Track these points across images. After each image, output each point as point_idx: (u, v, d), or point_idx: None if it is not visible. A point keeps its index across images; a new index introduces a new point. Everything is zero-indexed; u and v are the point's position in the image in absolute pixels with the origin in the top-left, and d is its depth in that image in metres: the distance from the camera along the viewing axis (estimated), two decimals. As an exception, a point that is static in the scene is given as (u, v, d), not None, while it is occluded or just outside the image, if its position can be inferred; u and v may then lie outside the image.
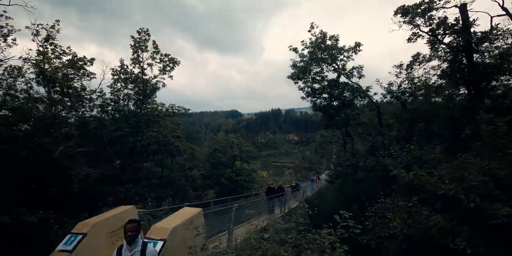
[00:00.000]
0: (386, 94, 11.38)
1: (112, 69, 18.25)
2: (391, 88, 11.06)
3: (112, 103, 17.84)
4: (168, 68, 18.24)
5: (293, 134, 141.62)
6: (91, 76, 17.69)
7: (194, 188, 24.44)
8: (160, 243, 4.22)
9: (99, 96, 17.99)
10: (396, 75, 10.99)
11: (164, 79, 18.80)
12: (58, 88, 16.38)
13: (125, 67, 18.24)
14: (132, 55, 18.05)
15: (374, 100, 13.17)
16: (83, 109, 18.29)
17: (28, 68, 15.47)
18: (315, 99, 14.76)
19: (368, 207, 6.51)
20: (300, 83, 14.78)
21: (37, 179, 8.63)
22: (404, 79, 10.77)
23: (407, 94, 10.52)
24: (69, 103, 17.43)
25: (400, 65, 10.77)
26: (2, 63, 13.40)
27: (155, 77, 18.44)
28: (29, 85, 16.36)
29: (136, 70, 18.52)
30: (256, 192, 22.77)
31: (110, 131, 15.46)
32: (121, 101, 17.96)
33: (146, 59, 18.39)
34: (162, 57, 18.24)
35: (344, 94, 13.94)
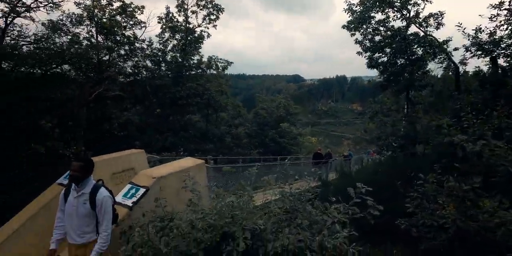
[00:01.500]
0: (470, 46, 8.36)
1: (159, 17, 17.87)
2: (479, 36, 8.00)
3: (160, 53, 17.88)
4: (212, 17, 17.16)
5: (357, 104, 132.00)
6: (142, 24, 17.73)
7: (238, 146, 24.78)
8: (141, 190, 3.72)
9: (148, 45, 18.19)
10: (491, 18, 7.77)
11: (208, 28, 17.88)
12: (111, 36, 16.88)
13: (170, 15, 17.68)
14: (178, 1, 17.24)
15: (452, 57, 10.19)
16: (136, 58, 18.88)
17: (82, 15, 15.94)
18: (372, 54, 12.07)
19: (417, 187, 5.06)
20: (358, 35, 12.18)
21: (76, 117, 9.06)
22: (503, 22, 7.59)
23: (504, 45, 7.56)
24: (122, 52, 18.07)
25: (500, 4, 7.47)
26: (59, 4, 13.88)
27: (199, 26, 17.62)
28: (90, 33, 17.17)
29: (181, 18, 17.87)
30: (297, 156, 22.03)
31: (154, 80, 15.70)
32: (167, 52, 17.86)
33: (191, 6, 17.48)
34: (206, 3, 17.09)
35: (412, 49, 11.04)
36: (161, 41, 18.02)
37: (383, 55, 12.30)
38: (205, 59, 19.06)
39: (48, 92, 9.51)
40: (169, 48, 18.16)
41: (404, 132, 10.55)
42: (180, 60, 18.09)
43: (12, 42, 11.29)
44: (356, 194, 2.59)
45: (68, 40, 15.00)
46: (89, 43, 16.21)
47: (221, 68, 19.69)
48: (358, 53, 12.58)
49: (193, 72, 17.65)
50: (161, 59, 17.98)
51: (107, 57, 16.43)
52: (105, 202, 2.74)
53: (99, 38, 16.38)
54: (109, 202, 2.79)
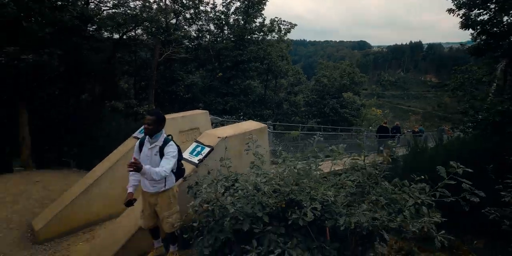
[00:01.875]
0: None
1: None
2: None
3: (223, 16, 17.55)
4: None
5: (432, 75, 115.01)
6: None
7: (296, 114, 24.32)
8: (206, 149, 3.78)
9: (212, 8, 17.96)
10: None
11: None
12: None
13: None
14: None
15: None
16: (200, 22, 18.97)
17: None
18: (469, 10, 9.76)
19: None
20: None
21: (148, 78, 9.67)
22: None
23: None
24: (188, 16, 18.25)
25: None
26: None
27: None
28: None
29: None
30: (360, 128, 20.70)
31: (216, 43, 15.69)
32: (230, 14, 17.38)
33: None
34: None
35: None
36: (224, 3, 17.58)
37: (484, 12, 9.92)
38: (267, 22, 18.19)
39: (125, 55, 10.22)
40: (231, 10, 17.68)
41: (503, 108, 8.77)
42: (242, 23, 17.60)
43: (95, 7, 12.19)
44: (449, 174, 2.14)
45: (140, 4, 15.63)
46: (158, 6, 16.69)
47: (284, 31, 18.67)
48: (449, 10, 10.36)
49: (255, 36, 17.06)
50: (224, 22, 17.71)
51: (174, 20, 16.82)
52: (169, 149, 2.81)
53: (167, 1, 16.68)
54: (173, 150, 2.85)
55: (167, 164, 2.79)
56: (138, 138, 4.79)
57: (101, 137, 7.41)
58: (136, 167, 2.40)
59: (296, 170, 2.53)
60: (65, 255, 3.57)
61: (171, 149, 2.87)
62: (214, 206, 2.39)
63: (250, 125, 4.70)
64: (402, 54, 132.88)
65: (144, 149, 2.93)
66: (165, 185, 2.92)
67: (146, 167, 2.57)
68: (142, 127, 5.04)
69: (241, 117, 12.06)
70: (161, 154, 2.85)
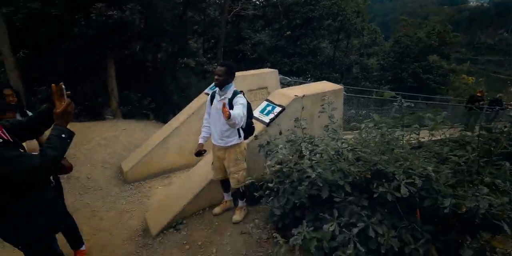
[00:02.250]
0: None
1: None
2: None
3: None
4: None
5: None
6: None
7: (367, 78, 22.19)
8: (278, 109, 3.60)
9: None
10: None
11: None
12: None
13: None
14: None
15: None
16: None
17: None
18: None
19: None
20: None
21: (216, 37, 9.59)
22: None
23: None
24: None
25: None
26: None
27: None
28: None
29: None
30: (448, 97, 17.88)
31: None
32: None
33: None
34: None
35: None
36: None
37: None
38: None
39: (195, 14, 10.19)
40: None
41: None
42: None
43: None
44: None
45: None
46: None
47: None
48: None
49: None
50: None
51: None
52: (239, 100, 2.70)
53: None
54: (242, 101, 2.73)
55: (239, 109, 2.65)
56: (209, 94, 4.87)
57: (175, 93, 7.85)
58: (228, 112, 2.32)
59: (385, 138, 2.18)
60: (147, 195, 4.01)
61: (240, 100, 2.76)
62: (292, 169, 2.25)
63: (325, 85, 4.30)
64: (509, 10, 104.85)
65: (214, 102, 2.89)
66: (234, 139, 2.89)
67: (232, 112, 2.49)
68: (213, 83, 5.07)
69: (308, 79, 11.45)
70: (231, 108, 2.78)
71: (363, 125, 2.41)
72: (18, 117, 2.73)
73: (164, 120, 7.20)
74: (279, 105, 3.64)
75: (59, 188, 2.55)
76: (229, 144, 2.87)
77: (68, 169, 2.53)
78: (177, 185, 3.54)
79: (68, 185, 4.06)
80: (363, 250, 1.61)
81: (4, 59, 6.09)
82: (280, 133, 3.15)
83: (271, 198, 2.55)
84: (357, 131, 2.61)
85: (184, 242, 2.86)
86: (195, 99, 4.98)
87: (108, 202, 3.81)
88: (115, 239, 3.09)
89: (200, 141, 2.99)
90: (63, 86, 1.71)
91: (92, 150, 4.95)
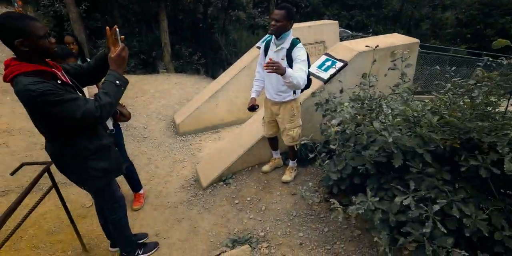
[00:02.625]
0: None
1: None
2: None
3: None
4: None
5: None
6: None
7: (437, 36, 19.08)
8: (339, 64, 3.18)
9: None
10: None
11: None
12: None
13: None
14: None
15: None
16: None
17: None
18: None
19: None
20: None
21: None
22: None
23: None
24: None
25: None
26: None
27: None
28: None
29: None
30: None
31: None
32: None
33: None
34: None
35: None
36: None
37: None
38: None
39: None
40: None
41: None
42: None
43: None
44: None
45: None
46: None
47: None
48: None
49: None
50: None
51: None
52: (299, 52, 2.39)
53: None
54: (303, 53, 2.42)
55: (301, 70, 2.39)
56: (260, 48, 4.53)
57: (225, 48, 7.58)
58: (278, 67, 2.02)
59: (485, 101, 1.73)
60: (198, 148, 4.11)
61: (301, 52, 2.42)
62: (357, 131, 1.97)
63: (396, 39, 3.65)
64: None
65: (270, 53, 2.58)
66: (290, 94, 2.63)
67: (289, 70, 2.23)
68: (265, 36, 4.68)
69: (370, 34, 10.16)
70: (289, 60, 2.46)
71: (448, 85, 1.96)
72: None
73: (214, 76, 7.13)
74: (341, 60, 3.20)
75: (119, 134, 2.64)
76: (285, 99, 2.64)
77: (127, 117, 2.57)
78: (227, 140, 3.51)
79: (127, 132, 4.33)
80: (443, 230, 1.37)
81: (68, 11, 6.33)
82: (341, 91, 2.80)
83: (327, 161, 2.35)
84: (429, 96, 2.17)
85: (234, 196, 2.89)
86: (247, 53, 4.70)
87: (162, 151, 4.00)
88: (168, 186, 3.26)
89: (253, 95, 2.80)
90: (117, 29, 1.58)
91: (147, 101, 5.13)
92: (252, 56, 4.44)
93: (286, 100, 2.64)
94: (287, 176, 3.08)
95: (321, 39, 4.92)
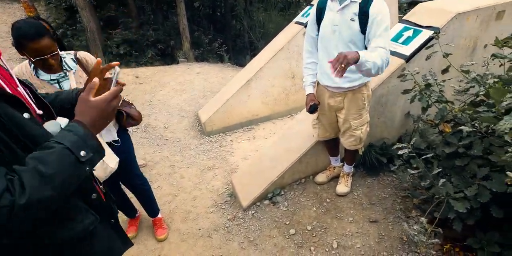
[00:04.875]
0: None
1: None
2: None
3: None
4: None
5: None
6: None
7: None
8: (425, 33, 2.25)
9: None
10: None
11: None
12: None
13: None
14: None
15: None
16: None
17: None
18: None
19: None
20: None
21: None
22: None
23: None
24: None
25: None
26: None
27: None
28: None
29: None
30: None
31: None
32: None
33: None
34: None
35: None
36: None
37: None
38: None
39: None
40: None
41: None
42: None
43: None
44: None
45: None
46: None
47: None
48: None
49: None
50: None
51: None
52: (379, 11, 1.52)
53: None
54: (386, 14, 1.55)
55: (385, 42, 1.55)
56: (301, 23, 3.63)
57: (251, 31, 6.70)
58: (347, 61, 1.31)
59: None
60: (229, 150, 3.37)
61: (383, 10, 1.56)
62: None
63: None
64: None
65: (327, 16, 1.70)
66: (361, 77, 1.77)
67: (364, 53, 1.41)
68: (306, 9, 3.75)
69: None
70: (364, 19, 1.58)
71: None
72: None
73: (238, 63, 6.31)
74: (429, 27, 2.26)
75: (127, 144, 1.90)
76: (354, 85, 1.78)
77: (137, 119, 1.84)
78: (269, 144, 2.72)
79: (146, 134, 3.67)
80: None
81: (76, -2, 5.72)
82: (444, 71, 1.89)
83: (442, 181, 1.49)
84: None
85: (287, 223, 2.12)
86: (283, 31, 3.81)
87: (187, 156, 3.30)
88: (198, 204, 2.56)
89: (309, 90, 1.97)
90: (118, 69, 0.85)
91: (167, 96, 4.44)
92: (291, 34, 3.56)
93: (355, 85, 1.78)
94: (343, 187, 2.28)
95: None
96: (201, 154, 3.33)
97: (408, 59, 2.22)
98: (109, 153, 1.64)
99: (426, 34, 2.26)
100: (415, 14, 2.43)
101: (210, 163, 3.16)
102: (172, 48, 7.11)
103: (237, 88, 3.60)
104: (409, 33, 2.36)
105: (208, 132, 3.66)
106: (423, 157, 1.52)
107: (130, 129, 1.95)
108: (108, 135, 1.71)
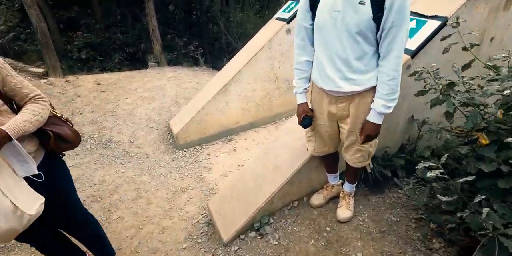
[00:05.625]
0: None
1: None
2: None
3: None
4: None
5: None
6: None
7: None
8: (431, 24, 1.91)
9: None
10: None
11: None
12: None
13: None
14: None
15: None
16: None
17: None
18: None
19: None
20: None
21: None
22: None
23: None
24: None
25: None
26: None
27: None
28: None
29: None
30: None
31: None
32: None
33: None
34: None
35: None
36: None
37: None
38: None
39: None
40: None
41: None
42: None
43: None
44: None
45: None
46: None
47: None
48: None
49: None
50: None
51: None
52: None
53: None
54: (408, 4, 1.18)
55: (398, 54, 1.26)
56: (283, 19, 3.25)
57: (229, 32, 6.28)
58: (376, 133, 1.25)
59: None
60: (207, 166, 2.89)
61: (404, 4, 1.18)
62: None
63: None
64: None
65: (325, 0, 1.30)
66: (373, 76, 1.37)
67: (382, 109, 1.32)
68: (287, 3, 3.39)
69: None
70: (376, 3, 1.18)
71: None
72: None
73: (216, 67, 5.85)
74: (435, 17, 1.93)
75: (59, 177, 1.38)
76: (364, 88, 1.38)
77: (72, 141, 1.34)
78: (253, 160, 2.28)
79: (108, 151, 3.11)
80: None
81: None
82: (466, 66, 1.54)
83: (486, 209, 1.11)
84: None
85: (280, 264, 1.67)
86: (263, 29, 3.41)
87: (156, 176, 2.78)
88: (168, 238, 2.06)
89: (301, 99, 1.56)
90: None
91: (134, 105, 3.89)
92: (272, 32, 3.16)
93: (366, 89, 1.38)
94: (345, 210, 1.88)
95: None
96: (173, 172, 2.83)
97: (414, 54, 1.86)
98: (24, 194, 1.14)
99: (432, 24, 1.92)
100: (417, 3, 2.10)
101: (183, 183, 2.67)
102: (143, 52, 6.54)
103: (214, 94, 3.15)
104: (412, 24, 2.02)
105: (181, 145, 3.17)
106: (461, 180, 1.13)
107: (88, 145, 1.44)
108: (23, 167, 1.19)
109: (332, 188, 2.05)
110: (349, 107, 1.45)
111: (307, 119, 1.52)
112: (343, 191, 1.97)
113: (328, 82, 1.39)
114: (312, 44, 1.45)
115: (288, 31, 3.13)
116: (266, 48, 3.14)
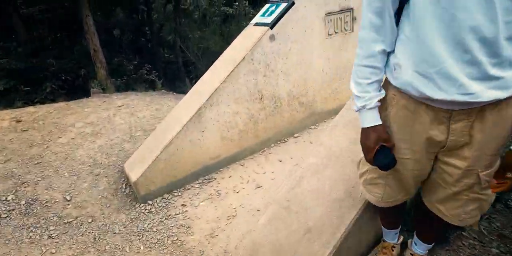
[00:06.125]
0: None
1: None
2: None
3: None
4: None
5: None
6: None
7: None
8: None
9: None
10: None
11: None
12: None
13: None
14: None
15: None
16: None
17: None
18: None
19: None
20: None
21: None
22: None
23: None
24: None
25: None
26: None
27: None
28: None
29: None
30: None
31: None
32: None
33: None
34: None
35: None
36: None
37: None
38: None
39: None
40: None
41: None
42: None
43: None
44: None
45: None
46: None
47: None
48: None
49: None
50: None
51: None
52: None
53: None
54: None
55: None
56: (265, 24, 2.66)
57: (190, 51, 5.58)
58: None
59: None
60: (184, 224, 2.03)
61: None
62: None
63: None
64: None
65: None
66: None
67: None
68: (266, 7, 2.88)
69: None
70: None
71: None
72: None
73: (178, 90, 5.05)
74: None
75: None
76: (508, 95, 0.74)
77: None
78: (268, 223, 1.49)
79: (29, 220, 2.07)
80: None
81: None
82: None
83: None
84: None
85: None
86: (240, 38, 2.75)
87: (109, 251, 1.83)
88: None
89: (373, 118, 0.88)
90: None
91: (70, 145, 2.88)
92: (253, 40, 2.52)
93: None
94: None
95: (347, 6, 3.16)
96: (135, 241, 1.91)
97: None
98: None
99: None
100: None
101: (152, 259, 1.76)
102: (85, 78, 5.49)
103: (185, 122, 2.34)
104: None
105: (143, 197, 2.26)
106: None
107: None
108: None
109: (392, 251, 1.35)
110: (472, 128, 0.79)
111: (388, 156, 0.83)
112: (412, 254, 1.29)
113: (446, 85, 0.73)
114: (396, 23, 0.81)
115: (272, 37, 2.53)
116: (248, 60, 2.47)
